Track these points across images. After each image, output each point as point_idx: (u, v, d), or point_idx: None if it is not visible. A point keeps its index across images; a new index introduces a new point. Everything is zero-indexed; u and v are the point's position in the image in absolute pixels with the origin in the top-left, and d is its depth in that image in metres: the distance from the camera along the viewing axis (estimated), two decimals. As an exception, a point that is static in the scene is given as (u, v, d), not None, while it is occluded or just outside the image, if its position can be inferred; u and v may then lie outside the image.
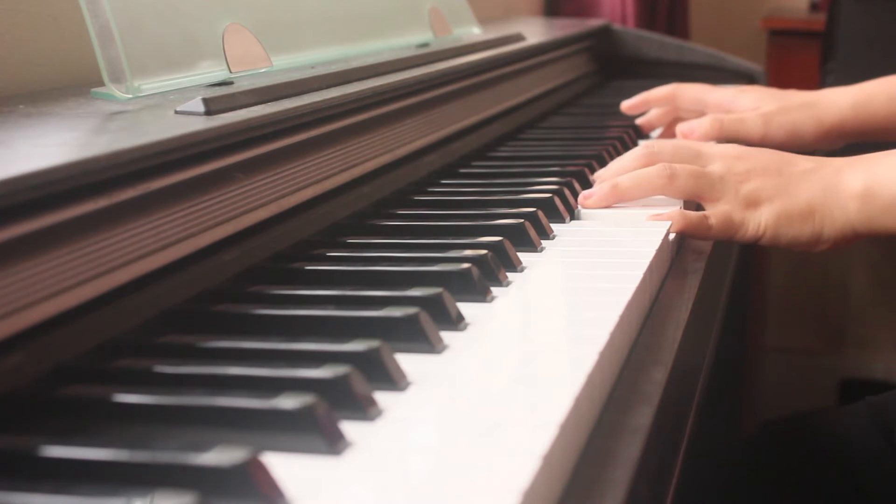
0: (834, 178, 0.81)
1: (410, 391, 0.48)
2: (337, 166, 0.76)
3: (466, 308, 0.58)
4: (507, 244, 0.68)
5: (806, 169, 0.82)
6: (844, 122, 1.13)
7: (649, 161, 0.84)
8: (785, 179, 0.81)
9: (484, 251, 0.65)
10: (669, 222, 0.77)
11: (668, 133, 1.21)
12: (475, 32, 1.28)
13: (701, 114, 1.16)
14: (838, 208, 0.80)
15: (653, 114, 1.21)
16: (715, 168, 0.82)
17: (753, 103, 1.14)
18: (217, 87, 0.73)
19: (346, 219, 0.76)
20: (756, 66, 1.72)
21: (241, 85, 0.73)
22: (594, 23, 1.75)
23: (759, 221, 0.80)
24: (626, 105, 1.21)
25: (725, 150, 0.85)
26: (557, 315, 0.60)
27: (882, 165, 0.80)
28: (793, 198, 0.80)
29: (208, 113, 0.64)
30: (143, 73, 0.70)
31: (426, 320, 0.53)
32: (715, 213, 0.80)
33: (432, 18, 1.16)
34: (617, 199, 0.83)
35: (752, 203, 0.80)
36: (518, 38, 1.28)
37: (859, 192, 0.79)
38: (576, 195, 0.85)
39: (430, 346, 0.53)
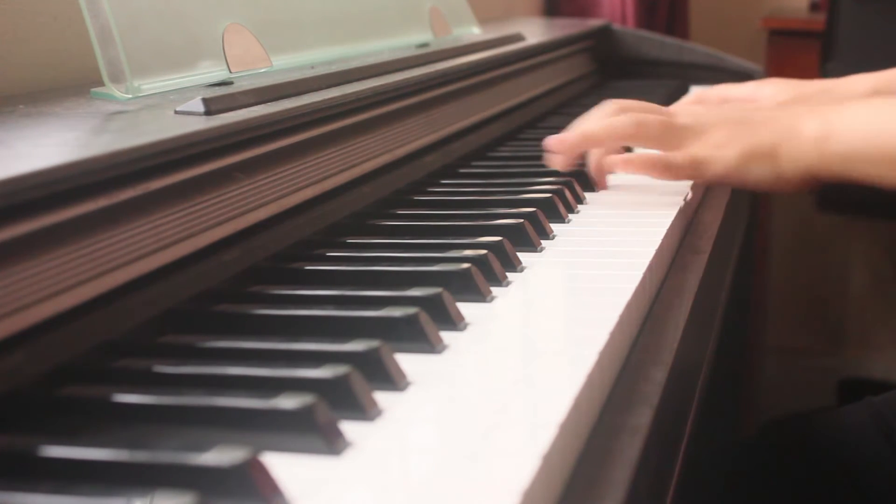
0: (794, 122, 0.84)
1: (410, 391, 0.48)
2: (337, 166, 0.76)
3: (466, 308, 0.58)
4: (507, 244, 0.68)
5: (769, 116, 0.87)
6: None
7: (619, 113, 0.89)
8: (749, 125, 0.86)
9: (484, 251, 0.65)
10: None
11: None
12: (475, 32, 1.28)
13: None
14: (798, 149, 0.83)
15: None
16: (682, 120, 0.88)
17: (773, 94, 1.15)
18: (217, 87, 0.73)
19: (346, 219, 0.76)
20: (756, 66, 1.72)
21: (241, 85, 0.73)
22: (594, 23, 1.75)
23: (727, 158, 0.84)
24: None
25: (691, 107, 0.92)
26: (557, 315, 0.60)
27: (836, 117, 0.83)
28: (757, 138, 0.84)
29: (208, 113, 0.64)
30: (142, 73, 0.70)
31: (426, 320, 0.53)
32: (681, 153, 0.85)
33: (432, 18, 1.16)
34: (588, 145, 0.88)
35: (719, 146, 0.85)
36: (518, 38, 1.28)
37: (816, 137, 0.82)
38: (576, 196, 0.86)
39: (430, 346, 0.53)
